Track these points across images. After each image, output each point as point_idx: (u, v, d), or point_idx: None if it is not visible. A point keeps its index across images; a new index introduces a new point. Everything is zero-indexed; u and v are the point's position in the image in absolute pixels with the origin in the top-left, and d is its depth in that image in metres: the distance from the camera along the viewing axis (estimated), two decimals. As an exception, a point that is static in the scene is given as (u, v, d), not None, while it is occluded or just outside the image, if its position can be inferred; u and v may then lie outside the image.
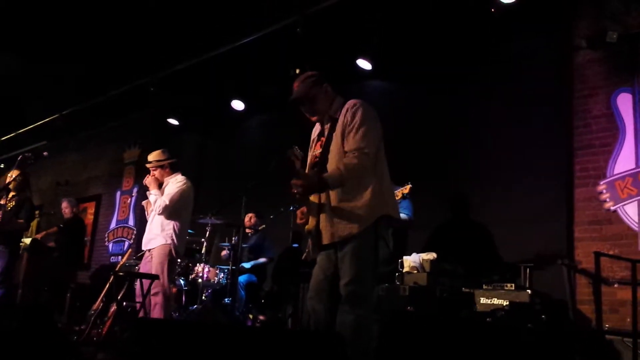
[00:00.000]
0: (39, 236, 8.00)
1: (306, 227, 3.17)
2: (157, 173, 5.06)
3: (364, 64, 6.52)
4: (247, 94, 7.86)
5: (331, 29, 6.25)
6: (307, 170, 3.21)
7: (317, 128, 3.35)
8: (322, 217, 3.05)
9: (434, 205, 5.73)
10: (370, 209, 2.97)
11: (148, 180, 5.02)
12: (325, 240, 3.04)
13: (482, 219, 5.56)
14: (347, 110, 3.09)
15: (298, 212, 3.26)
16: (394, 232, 4.97)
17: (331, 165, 3.03)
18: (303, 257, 3.30)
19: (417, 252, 4.94)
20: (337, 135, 3.08)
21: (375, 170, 3.04)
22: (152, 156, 5.10)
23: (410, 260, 4.86)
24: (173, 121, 8.80)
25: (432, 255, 4.82)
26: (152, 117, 9.24)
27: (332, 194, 3.01)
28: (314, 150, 3.26)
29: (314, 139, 3.33)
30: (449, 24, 5.77)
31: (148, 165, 5.12)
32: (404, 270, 4.83)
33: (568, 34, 5.41)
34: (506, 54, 5.71)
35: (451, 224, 5.76)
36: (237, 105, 7.95)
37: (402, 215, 4.96)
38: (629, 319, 4.07)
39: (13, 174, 6.28)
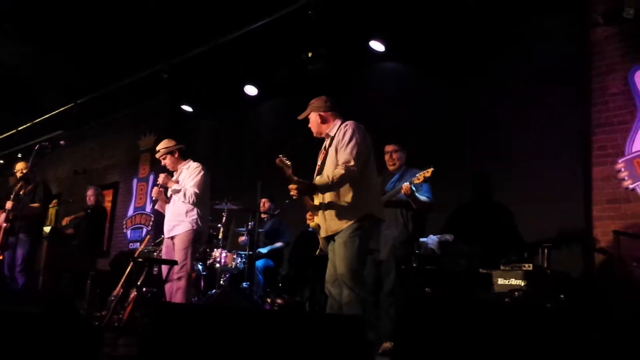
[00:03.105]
0: (66, 220, 8.09)
1: (311, 224, 3.94)
2: (167, 161, 5.11)
3: (376, 45, 6.47)
4: (259, 78, 7.85)
5: (343, 10, 6.19)
6: (315, 176, 3.92)
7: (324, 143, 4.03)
8: (320, 214, 3.81)
9: (451, 187, 5.69)
10: (354, 210, 3.67)
11: (162, 181, 4.99)
12: (323, 233, 3.80)
13: (499, 199, 5.52)
14: (340, 130, 3.78)
15: (307, 214, 4.00)
16: (413, 214, 5.01)
17: (326, 173, 3.73)
18: (317, 252, 4.07)
19: (434, 234, 4.93)
20: (332, 150, 3.79)
21: (362, 179, 3.71)
22: (160, 145, 5.18)
23: (427, 242, 4.85)
24: (187, 108, 8.82)
25: (449, 237, 4.81)
26: (167, 104, 9.27)
27: (327, 197, 3.75)
28: (319, 161, 3.98)
29: (320, 152, 4.03)
30: (464, 2, 5.69)
31: (157, 155, 5.18)
32: (421, 252, 4.83)
33: (584, 10, 5.31)
34: (523, 32, 5.62)
35: (468, 204, 5.73)
36: (250, 90, 7.95)
37: (423, 199, 4.95)
38: (649, 298, 4.04)
39: (21, 166, 6.58)
